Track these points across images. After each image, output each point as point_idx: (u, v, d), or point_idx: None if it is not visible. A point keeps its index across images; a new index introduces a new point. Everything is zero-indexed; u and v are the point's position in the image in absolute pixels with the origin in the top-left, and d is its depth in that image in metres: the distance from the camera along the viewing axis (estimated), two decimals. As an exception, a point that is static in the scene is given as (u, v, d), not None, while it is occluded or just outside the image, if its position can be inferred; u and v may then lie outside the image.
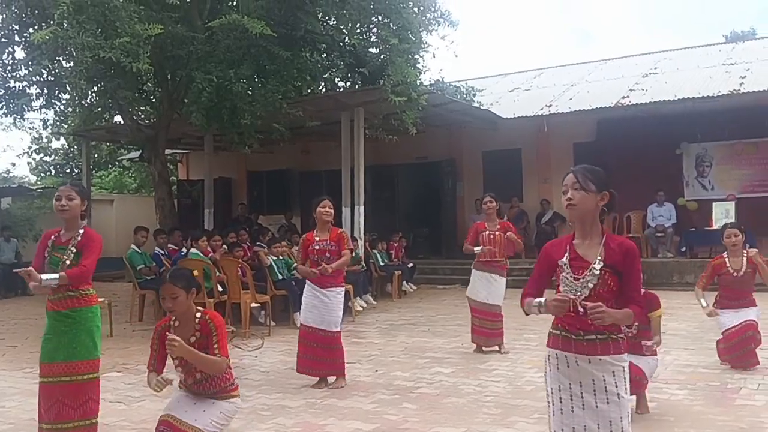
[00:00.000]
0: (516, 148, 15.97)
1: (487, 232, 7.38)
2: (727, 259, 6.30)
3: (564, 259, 2.97)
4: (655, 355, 5.12)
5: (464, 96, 14.26)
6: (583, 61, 19.10)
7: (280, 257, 9.87)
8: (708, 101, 12.92)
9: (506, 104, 15.96)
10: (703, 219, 13.03)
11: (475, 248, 7.38)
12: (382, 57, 12.61)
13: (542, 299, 2.92)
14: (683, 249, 13.05)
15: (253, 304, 9.16)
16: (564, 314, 2.89)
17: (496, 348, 7.41)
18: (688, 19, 61.46)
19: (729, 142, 13.90)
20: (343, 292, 6.31)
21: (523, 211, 15.44)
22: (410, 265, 13.67)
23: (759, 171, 13.70)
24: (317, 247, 6.17)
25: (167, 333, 3.69)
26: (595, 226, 2.97)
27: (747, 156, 13.81)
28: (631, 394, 4.85)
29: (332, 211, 6.28)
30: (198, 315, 3.78)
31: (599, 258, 2.89)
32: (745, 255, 6.23)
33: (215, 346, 3.70)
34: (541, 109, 14.80)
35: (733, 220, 11.87)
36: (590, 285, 2.88)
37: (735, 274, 6.21)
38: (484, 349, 7.44)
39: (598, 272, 2.88)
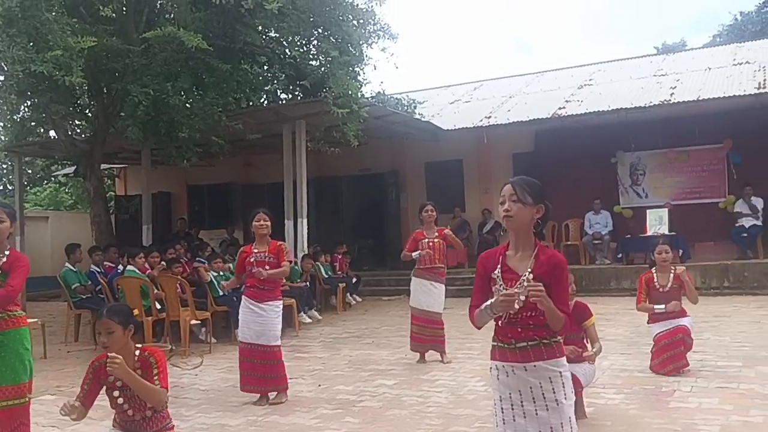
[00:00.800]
0: (457, 159, 16.16)
1: (426, 240, 7.46)
2: (655, 275, 6.47)
3: (496, 272, 3.00)
4: (593, 362, 5.22)
5: (405, 108, 14.37)
6: (521, 73, 19.48)
7: (221, 273, 9.71)
8: (640, 111, 13.32)
9: (447, 116, 16.15)
10: (638, 226, 13.40)
11: (413, 253, 7.44)
12: (323, 69, 12.63)
13: (489, 302, 2.94)
14: (620, 255, 13.40)
15: (193, 321, 8.98)
16: (513, 311, 2.89)
17: (438, 357, 7.46)
18: (622, 31, 63.46)
19: (662, 150, 14.35)
20: (280, 306, 6.24)
21: (465, 221, 15.61)
22: (354, 280, 13.62)
23: (690, 178, 14.18)
24: (254, 259, 6.10)
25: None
26: (528, 237, 3.01)
27: (679, 164, 14.27)
28: None
29: (268, 224, 6.21)
30: (137, 352, 3.67)
31: (529, 270, 2.93)
32: (672, 271, 6.41)
33: (155, 379, 3.59)
34: (481, 120, 15.02)
35: (666, 231, 12.35)
36: (522, 297, 2.91)
37: (661, 289, 6.39)
38: (426, 357, 7.48)
39: (526, 284, 2.90)
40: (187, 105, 11.15)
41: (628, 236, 13.38)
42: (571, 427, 2.94)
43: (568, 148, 14.38)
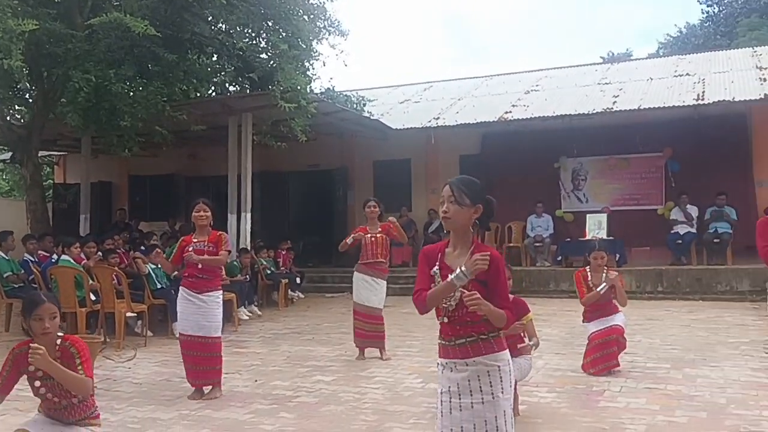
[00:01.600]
0: (406, 159, 16.23)
1: (369, 235, 7.48)
2: (589, 273, 6.63)
3: (435, 269, 3.04)
4: (529, 354, 5.31)
5: (355, 105, 14.36)
6: (471, 76, 19.67)
7: (159, 266, 9.52)
8: (584, 118, 13.62)
9: (396, 115, 16.20)
10: (578, 230, 13.70)
11: (348, 239, 7.46)
12: (271, 63, 12.52)
13: (458, 270, 2.90)
14: (559, 258, 13.66)
15: (129, 314, 8.79)
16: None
17: (378, 354, 7.48)
18: (572, 40, 64.78)
19: (603, 157, 14.69)
20: (220, 297, 6.15)
21: (412, 221, 15.68)
22: (298, 279, 13.51)
23: (629, 185, 14.57)
24: (192, 248, 6.00)
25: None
26: (466, 236, 3.05)
27: (619, 171, 14.64)
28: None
29: (208, 214, 6.12)
30: (58, 341, 3.59)
31: (462, 268, 2.96)
32: (605, 272, 6.57)
33: (79, 368, 3.52)
34: (430, 121, 15.12)
35: (605, 235, 12.63)
36: (457, 294, 2.95)
37: (594, 288, 6.53)
38: (365, 354, 7.50)
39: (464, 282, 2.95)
40: (130, 93, 10.91)
41: (568, 240, 13.66)
42: (505, 421, 2.98)
43: (514, 152, 14.60)
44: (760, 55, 16.41)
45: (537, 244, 14.09)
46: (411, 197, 16.23)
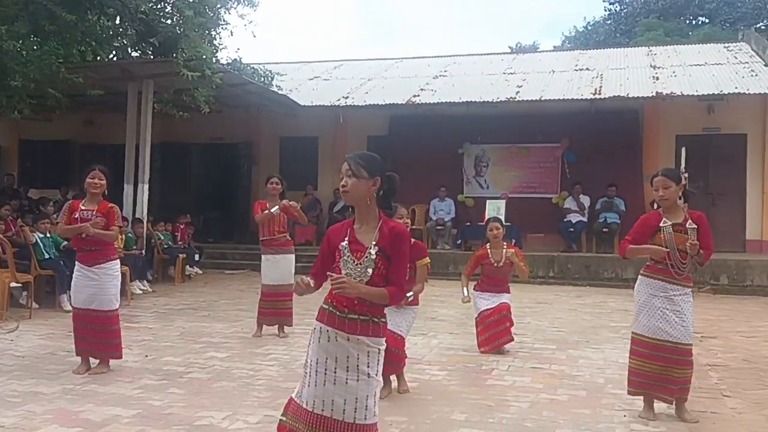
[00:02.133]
0: (313, 136, 16.12)
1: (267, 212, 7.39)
2: (489, 251, 6.85)
3: (344, 243, 3.05)
4: (417, 305, 5.43)
5: (262, 79, 14.09)
6: (382, 58, 19.72)
7: (48, 234, 9.07)
8: (488, 106, 13.97)
9: (305, 92, 16.03)
10: (478, 215, 14.05)
11: (273, 209, 7.28)
12: (176, 29, 12.07)
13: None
14: (459, 242, 14.01)
15: (13, 284, 8.34)
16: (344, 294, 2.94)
17: (275, 331, 7.45)
18: (483, 27, 65.99)
19: (505, 145, 15.12)
20: (116, 268, 5.91)
21: (317, 199, 15.63)
22: (196, 254, 13.20)
23: (528, 173, 15.07)
24: (78, 216, 5.75)
25: None
26: (371, 211, 3.07)
27: (519, 159, 15.11)
28: (391, 372, 5.13)
29: (103, 182, 5.86)
30: None
31: (374, 242, 3.00)
32: (504, 248, 6.81)
33: None
34: (339, 100, 15.08)
35: (501, 216, 13.02)
36: (369, 270, 2.97)
37: (495, 264, 6.79)
38: (262, 331, 7.44)
39: (374, 256, 2.98)
40: (23, 52, 10.25)
41: (468, 224, 14.02)
42: (375, 402, 3.03)
43: (420, 136, 14.80)
44: (655, 54, 17.29)
45: (439, 227, 14.38)
46: (317, 175, 16.16)
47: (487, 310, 6.75)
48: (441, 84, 15.94)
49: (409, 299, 5.09)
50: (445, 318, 8.69)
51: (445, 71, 17.28)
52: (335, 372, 3.00)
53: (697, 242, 4.61)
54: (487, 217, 13.47)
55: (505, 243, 6.89)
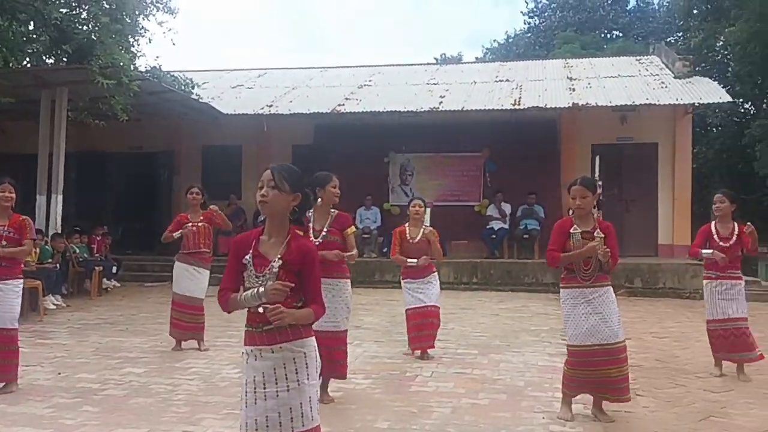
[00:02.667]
0: (237, 145, 15.91)
1: (191, 224, 7.24)
2: (407, 228, 6.99)
3: (248, 257, 2.99)
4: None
5: (183, 87, 13.80)
6: (306, 66, 19.67)
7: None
8: (412, 115, 14.13)
9: (228, 100, 15.81)
10: (403, 223, 14.10)
11: (175, 233, 7.16)
12: (91, 36, 11.69)
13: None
14: (385, 250, 14.05)
15: None
16: (282, 299, 2.89)
17: (196, 345, 7.28)
18: (410, 38, 66.69)
19: (429, 154, 15.34)
20: (20, 286, 5.65)
21: (241, 209, 15.39)
22: (114, 267, 12.77)
23: (452, 182, 15.31)
24: None
25: None
26: (283, 224, 3.03)
27: (443, 168, 15.34)
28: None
29: (12, 195, 5.62)
30: None
31: (279, 257, 2.95)
32: (423, 228, 6.94)
33: None
34: (262, 108, 14.94)
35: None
36: (269, 283, 2.93)
37: (412, 241, 6.94)
38: (182, 344, 7.26)
39: (276, 270, 2.93)
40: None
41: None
42: (311, 407, 2.99)
43: (346, 145, 14.80)
44: (572, 66, 17.89)
45: (365, 236, 14.39)
46: (241, 185, 15.92)
47: (413, 310, 6.84)
48: (366, 93, 16.02)
49: (352, 259, 5.34)
50: (371, 326, 8.70)
51: (370, 81, 17.37)
52: (264, 387, 2.95)
53: (609, 249, 4.77)
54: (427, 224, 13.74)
55: (423, 224, 7.00)
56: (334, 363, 5.18)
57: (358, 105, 14.90)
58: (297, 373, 2.97)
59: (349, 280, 5.41)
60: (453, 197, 15.17)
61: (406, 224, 7.09)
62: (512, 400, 5.44)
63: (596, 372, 4.79)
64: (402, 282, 7.11)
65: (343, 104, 14.96)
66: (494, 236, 14.04)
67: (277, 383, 2.95)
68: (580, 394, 4.97)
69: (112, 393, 5.53)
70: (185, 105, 13.80)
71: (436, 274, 7.16)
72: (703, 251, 6.34)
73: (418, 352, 6.92)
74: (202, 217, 7.33)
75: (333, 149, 14.90)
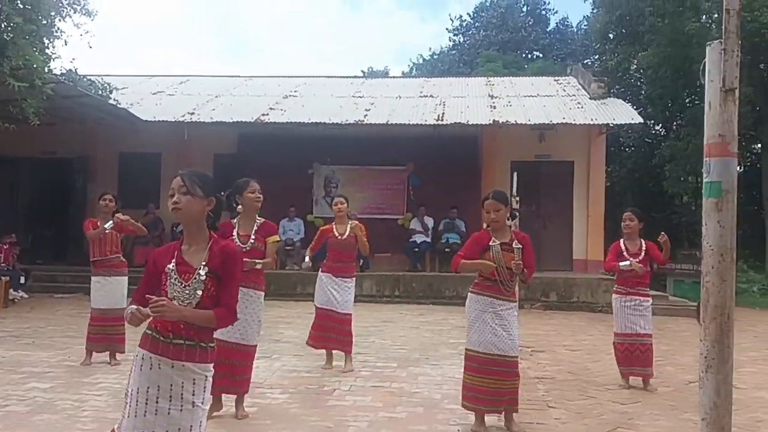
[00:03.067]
0: (156, 153, 15.50)
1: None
2: (334, 226, 7.07)
3: (171, 266, 2.91)
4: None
5: (100, 91, 13.36)
6: (231, 75, 19.44)
7: None
8: (337, 127, 14.15)
9: (148, 106, 15.41)
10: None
11: (107, 225, 6.89)
12: (3, 36, 11.16)
13: (135, 308, 2.81)
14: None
15: None
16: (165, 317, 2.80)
17: (106, 358, 7.02)
18: (339, 50, 66.69)
19: (354, 166, 15.39)
20: None
21: (159, 219, 15.00)
22: (22, 277, 12.18)
23: (376, 195, 15.38)
24: None
25: None
26: (201, 231, 2.98)
27: (368, 180, 15.41)
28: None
29: None
30: None
31: (203, 263, 2.89)
32: (349, 224, 7.02)
33: None
34: (184, 115, 14.63)
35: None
36: (198, 292, 2.86)
37: (339, 236, 6.99)
38: (92, 359, 6.98)
39: (203, 277, 2.87)
40: None
41: (317, 244, 14.00)
42: (200, 430, 2.91)
43: (270, 155, 14.66)
44: (493, 84, 18.33)
45: (288, 248, 14.28)
46: (160, 194, 15.47)
47: (324, 311, 6.93)
48: (291, 104, 15.93)
49: (264, 266, 5.23)
50: (291, 339, 8.61)
51: (295, 92, 17.29)
52: (157, 402, 2.84)
53: (521, 261, 4.90)
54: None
55: (349, 219, 7.08)
56: (234, 378, 5.07)
57: (283, 115, 14.80)
58: (194, 394, 2.88)
59: (263, 293, 5.31)
60: (377, 210, 15.23)
61: (333, 223, 7.11)
62: (429, 413, 5.49)
63: (492, 381, 4.89)
64: (319, 274, 7.11)
65: (268, 114, 14.83)
66: (417, 249, 14.19)
67: (171, 400, 2.84)
68: (482, 413, 5.02)
69: (14, 409, 5.27)
70: (102, 110, 13.35)
71: (354, 280, 7.19)
72: (621, 264, 6.58)
73: (337, 365, 6.92)
74: (113, 224, 7.09)
75: (256, 159, 14.72)
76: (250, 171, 14.22)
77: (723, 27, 2.72)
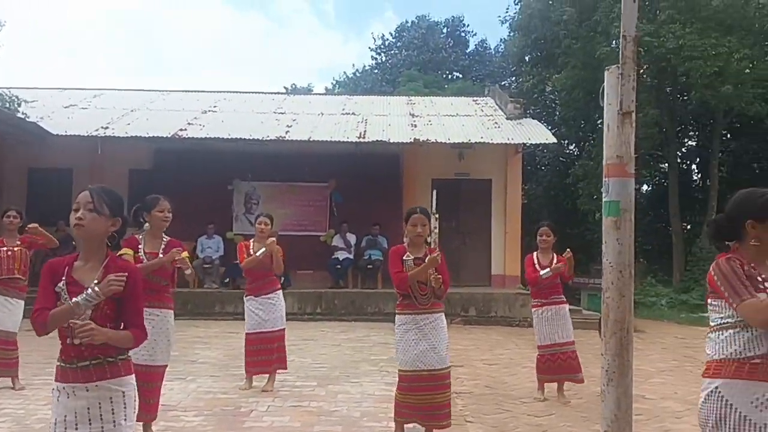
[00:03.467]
0: (67, 168, 14.91)
1: (6, 248, 6.67)
2: (252, 243, 7.04)
3: (61, 284, 2.81)
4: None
5: (7, 104, 12.80)
6: (148, 89, 18.96)
7: None
8: (258, 143, 14.01)
9: (60, 120, 14.81)
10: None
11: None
12: None
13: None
14: (227, 280, 13.75)
15: None
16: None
17: (9, 383, 6.67)
18: (263, 67, 66.27)
19: (275, 183, 15.27)
20: None
21: (69, 236, 14.35)
22: None
23: (298, 212, 15.29)
24: None
25: None
26: (100, 249, 2.90)
27: (289, 197, 15.30)
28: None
29: None
30: None
31: (96, 282, 2.80)
32: (267, 242, 6.93)
33: None
34: (97, 130, 14.16)
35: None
36: (88, 312, 2.76)
37: (255, 254, 6.89)
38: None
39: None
40: None
41: (237, 262, 13.76)
42: None
43: (188, 171, 14.37)
44: (414, 104, 18.60)
45: (206, 266, 13.99)
46: (71, 211, 14.90)
47: (255, 335, 6.80)
48: (210, 119, 15.68)
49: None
50: (207, 360, 8.42)
51: (215, 107, 17.04)
52: (76, 428, 2.77)
53: (440, 276, 4.96)
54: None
55: (268, 237, 7.01)
56: (141, 402, 4.90)
57: (202, 130, 14.54)
58: (113, 413, 2.82)
59: (171, 312, 5.15)
60: (299, 227, 15.14)
61: (252, 240, 7.07)
62: (347, 430, 5.46)
63: (424, 397, 4.93)
64: (244, 300, 7.02)
65: (186, 129, 14.53)
66: (339, 266, 14.17)
67: (90, 423, 2.78)
68: (411, 422, 5.08)
69: None
70: (9, 124, 12.77)
71: (280, 292, 7.10)
72: (542, 272, 6.74)
73: (258, 384, 6.80)
74: (19, 242, 6.78)
75: (174, 175, 14.38)
76: (166, 187, 13.88)
77: (620, 53, 2.86)
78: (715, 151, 20.17)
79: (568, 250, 6.90)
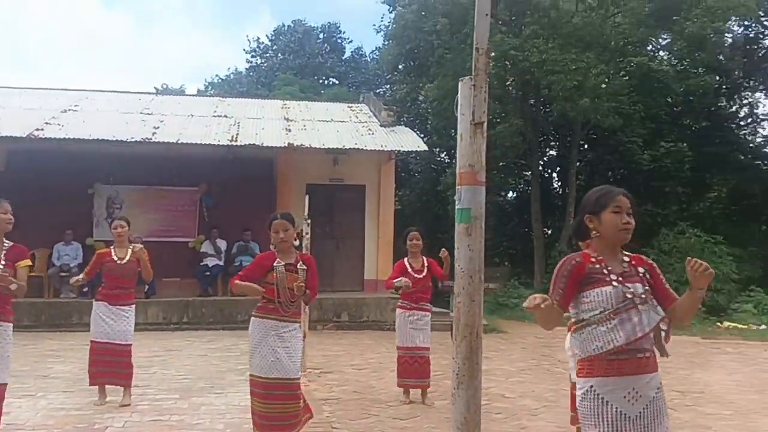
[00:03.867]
0: None
1: None
2: (113, 249, 6.74)
3: None
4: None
5: None
6: (3, 85, 17.59)
7: None
8: (122, 145, 13.35)
9: None
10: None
11: None
12: None
13: None
14: (86, 289, 12.95)
15: None
16: None
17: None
18: (132, 67, 63.27)
19: (141, 187, 14.59)
20: None
21: None
22: None
23: (166, 217, 14.71)
24: None
25: None
26: None
27: (156, 202, 14.68)
28: None
29: None
30: None
31: None
32: (131, 247, 6.73)
33: None
34: (-59, 128, 12.99)
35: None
36: None
37: (119, 261, 6.65)
38: None
39: None
40: None
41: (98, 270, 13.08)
42: None
43: (45, 173, 13.46)
44: (289, 108, 18.43)
45: (63, 274, 13.16)
46: None
47: (99, 344, 6.54)
48: (70, 119, 14.78)
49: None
50: (60, 375, 7.91)
51: (76, 106, 16.07)
52: None
53: (303, 283, 4.92)
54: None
55: (130, 244, 6.78)
56: None
57: (61, 130, 13.67)
58: None
59: (10, 325, 4.74)
60: (166, 232, 14.56)
61: (111, 247, 6.73)
62: (208, 444, 5.30)
63: (276, 405, 4.86)
64: (94, 303, 6.72)
65: (43, 129, 13.62)
66: (208, 273, 13.77)
67: None
68: None
69: None
70: None
71: (134, 307, 6.80)
72: (395, 282, 6.88)
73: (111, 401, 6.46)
74: None
75: (29, 177, 13.43)
76: (21, 190, 12.98)
77: (473, 64, 2.94)
78: (574, 161, 21.38)
79: (444, 249, 7.08)
